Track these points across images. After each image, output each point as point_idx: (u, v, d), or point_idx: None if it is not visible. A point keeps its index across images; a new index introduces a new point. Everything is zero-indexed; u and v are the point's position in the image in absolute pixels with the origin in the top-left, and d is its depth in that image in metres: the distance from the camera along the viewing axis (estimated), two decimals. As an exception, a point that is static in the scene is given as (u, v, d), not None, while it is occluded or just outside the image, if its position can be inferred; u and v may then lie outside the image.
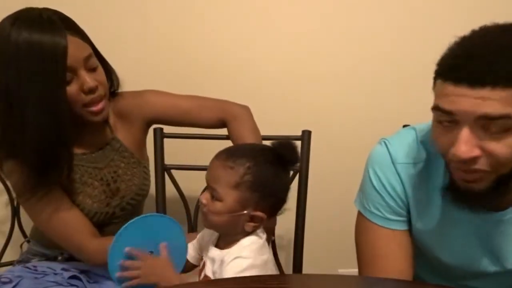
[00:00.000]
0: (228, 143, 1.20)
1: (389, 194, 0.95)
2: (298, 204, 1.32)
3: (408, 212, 0.96)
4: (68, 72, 1.00)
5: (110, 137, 1.20)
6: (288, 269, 1.43)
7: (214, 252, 0.99)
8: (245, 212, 0.95)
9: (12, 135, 1.03)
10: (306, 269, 1.36)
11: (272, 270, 0.99)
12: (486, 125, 0.74)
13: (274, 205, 0.99)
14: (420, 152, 0.94)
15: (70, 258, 1.20)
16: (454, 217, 0.92)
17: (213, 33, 1.57)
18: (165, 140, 1.31)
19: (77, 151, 1.14)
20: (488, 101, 0.72)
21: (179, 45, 1.57)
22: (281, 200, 1.01)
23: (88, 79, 1.03)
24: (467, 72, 0.74)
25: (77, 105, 1.04)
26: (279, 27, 1.56)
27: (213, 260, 0.99)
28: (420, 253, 1.01)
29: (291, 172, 1.12)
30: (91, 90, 1.04)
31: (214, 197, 0.95)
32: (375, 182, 0.96)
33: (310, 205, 1.33)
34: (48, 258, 1.21)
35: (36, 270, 1.16)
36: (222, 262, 0.96)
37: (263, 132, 1.25)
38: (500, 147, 0.75)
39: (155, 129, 1.29)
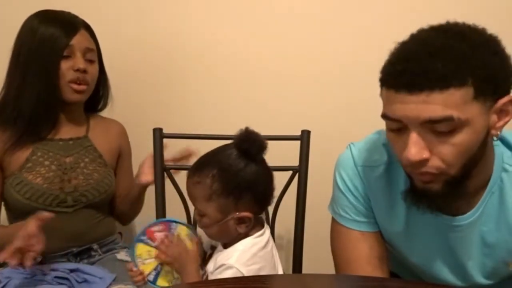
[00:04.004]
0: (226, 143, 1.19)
1: (353, 194, 0.96)
2: (298, 204, 1.32)
3: (373, 212, 0.97)
4: (68, 48, 1.20)
5: (82, 134, 1.32)
6: (287, 268, 1.43)
7: (219, 248, 1.02)
8: (229, 217, 0.96)
9: (12, 92, 1.21)
10: (306, 268, 1.37)
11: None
12: (433, 127, 0.75)
13: (256, 199, 0.98)
14: (381, 155, 0.95)
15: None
16: (417, 220, 0.92)
17: (212, 33, 1.57)
18: (165, 140, 1.31)
19: (47, 135, 1.25)
20: (428, 105, 0.73)
21: (178, 45, 1.57)
22: (262, 192, 1.00)
23: (81, 61, 1.22)
24: (404, 79, 0.74)
25: (64, 79, 1.21)
26: (279, 27, 1.57)
27: (216, 257, 1.00)
28: (395, 256, 1.01)
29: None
30: (79, 70, 1.22)
31: (200, 214, 0.99)
32: (340, 184, 0.98)
33: (309, 205, 1.33)
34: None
35: (25, 271, 1.19)
36: (215, 262, 0.97)
37: (263, 132, 1.25)
38: (447, 147, 0.76)
39: (154, 130, 1.30)
